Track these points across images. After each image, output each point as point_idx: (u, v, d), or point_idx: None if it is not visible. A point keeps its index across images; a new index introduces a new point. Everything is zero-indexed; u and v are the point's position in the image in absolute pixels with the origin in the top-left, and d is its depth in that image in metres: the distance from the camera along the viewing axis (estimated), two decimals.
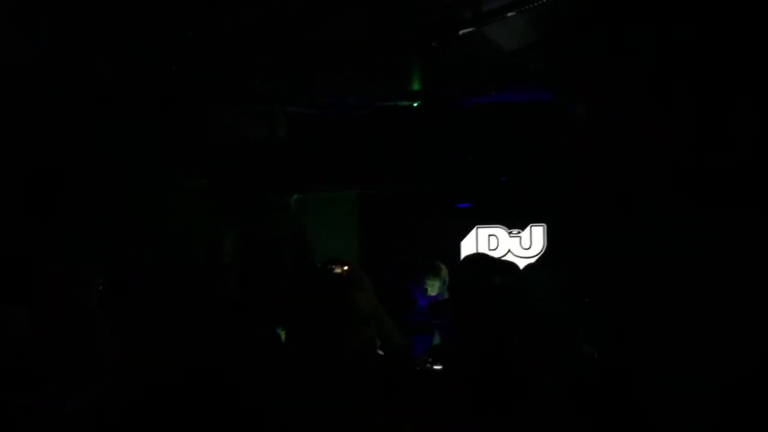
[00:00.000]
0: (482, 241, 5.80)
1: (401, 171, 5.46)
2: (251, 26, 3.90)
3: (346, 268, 2.53)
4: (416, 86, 4.96)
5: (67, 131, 4.37)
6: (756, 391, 2.01)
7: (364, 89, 5.01)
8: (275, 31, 3.99)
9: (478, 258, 3.97)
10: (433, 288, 4.09)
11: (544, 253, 5.74)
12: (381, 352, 2.35)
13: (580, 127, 4.27)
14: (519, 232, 5.81)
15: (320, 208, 5.90)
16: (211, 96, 4.81)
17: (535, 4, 3.66)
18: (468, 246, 5.79)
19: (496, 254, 5.73)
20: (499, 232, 5.81)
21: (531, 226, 5.78)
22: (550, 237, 5.73)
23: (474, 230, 5.80)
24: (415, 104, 5.17)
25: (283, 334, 2.40)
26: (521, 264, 5.72)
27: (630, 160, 3.70)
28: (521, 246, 5.80)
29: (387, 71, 4.65)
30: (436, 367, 3.07)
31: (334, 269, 2.55)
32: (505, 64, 4.42)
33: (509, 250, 5.81)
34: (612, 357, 2.40)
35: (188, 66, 4.25)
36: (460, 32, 4.00)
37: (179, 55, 4.11)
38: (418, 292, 4.10)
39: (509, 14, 3.79)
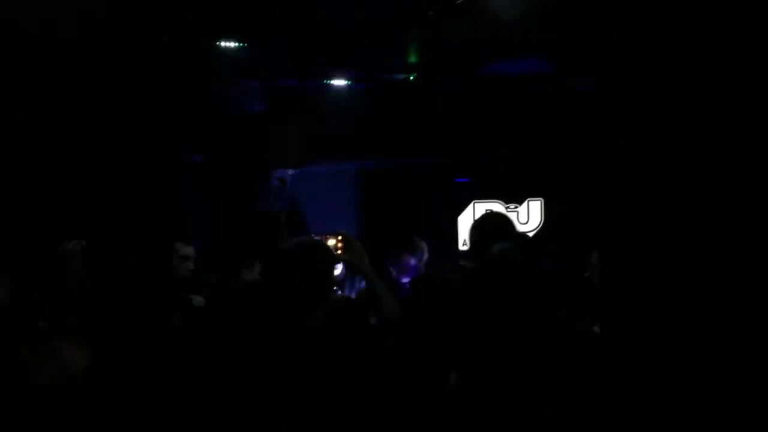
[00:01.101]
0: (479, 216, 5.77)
1: (399, 145, 5.41)
2: None
3: (339, 237, 2.50)
4: (413, 58, 4.88)
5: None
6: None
7: (360, 62, 4.94)
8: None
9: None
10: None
11: (542, 227, 5.72)
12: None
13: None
14: (516, 207, 5.78)
15: (319, 183, 5.86)
16: (205, 70, 4.74)
17: None
18: (465, 221, 5.75)
19: None
20: (497, 206, 5.77)
21: (528, 201, 5.75)
22: (548, 211, 5.70)
23: (471, 205, 5.76)
24: (412, 77, 5.09)
25: None
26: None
27: None
28: (519, 221, 5.76)
29: (383, 43, 4.57)
30: None
31: (326, 240, 2.53)
32: (504, 35, 4.35)
33: None
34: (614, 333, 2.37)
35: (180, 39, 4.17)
36: (458, 1, 3.93)
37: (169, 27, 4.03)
38: (397, 269, 3.99)
39: None
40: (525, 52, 4.45)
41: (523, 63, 4.76)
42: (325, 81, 5.14)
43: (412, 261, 3.95)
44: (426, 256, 4.00)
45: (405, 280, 3.90)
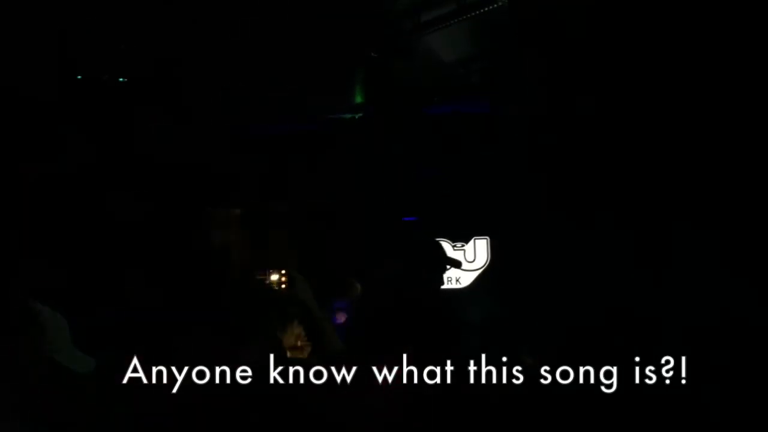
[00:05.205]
0: None
1: (345, 184, 5.40)
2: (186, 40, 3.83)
3: (283, 272, 2.46)
4: (358, 98, 4.93)
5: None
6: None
7: (304, 102, 4.95)
8: (213, 44, 3.92)
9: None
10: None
11: (488, 265, 5.77)
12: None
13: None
14: (463, 245, 5.82)
15: (263, 223, 5.79)
16: (148, 110, 4.67)
17: (473, 14, 3.69)
18: None
19: None
20: (444, 245, 5.79)
21: (475, 239, 5.79)
22: (494, 249, 5.75)
23: None
24: (357, 116, 5.12)
25: None
26: (466, 276, 5.80)
27: None
28: (466, 259, 5.80)
29: (328, 83, 4.60)
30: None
31: (270, 275, 2.49)
32: (447, 75, 4.43)
33: None
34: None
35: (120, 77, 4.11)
36: (400, 43, 4.00)
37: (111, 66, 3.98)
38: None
39: (447, 24, 3.81)
40: (466, 92, 4.53)
41: (467, 102, 4.85)
42: (270, 120, 5.13)
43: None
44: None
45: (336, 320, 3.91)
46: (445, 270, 3.61)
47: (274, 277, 2.47)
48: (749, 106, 2.95)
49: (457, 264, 3.98)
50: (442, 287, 3.45)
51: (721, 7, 2.93)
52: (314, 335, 2.41)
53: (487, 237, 5.78)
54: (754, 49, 2.84)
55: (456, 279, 5.75)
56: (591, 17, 3.58)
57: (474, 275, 5.78)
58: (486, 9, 3.61)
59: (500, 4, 3.56)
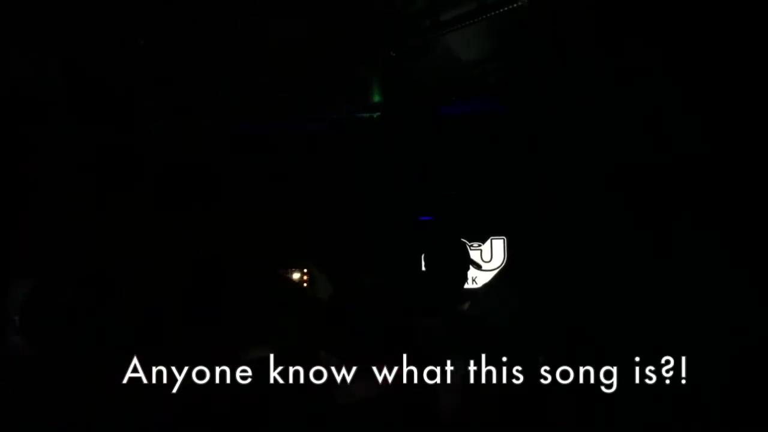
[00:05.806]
0: None
1: (361, 183, 5.42)
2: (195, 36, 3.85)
3: (304, 270, 2.49)
4: (375, 97, 4.94)
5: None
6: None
7: (320, 101, 4.97)
8: (224, 41, 3.94)
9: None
10: None
11: (504, 266, 5.75)
12: None
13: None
14: (479, 245, 5.81)
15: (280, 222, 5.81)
16: (157, 110, 4.69)
17: (493, 13, 3.68)
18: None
19: None
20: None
21: (491, 239, 5.78)
22: (511, 250, 5.74)
23: None
24: (375, 116, 5.14)
25: None
26: (482, 276, 5.78)
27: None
28: (482, 259, 5.79)
29: (344, 82, 4.62)
30: None
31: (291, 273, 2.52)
32: (465, 75, 4.43)
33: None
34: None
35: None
36: (418, 42, 4.01)
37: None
38: None
39: (467, 24, 3.80)
40: (484, 91, 4.53)
41: (484, 102, 4.85)
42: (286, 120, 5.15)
43: None
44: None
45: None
46: (468, 269, 3.61)
47: (296, 275, 2.50)
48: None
49: (477, 266, 4.02)
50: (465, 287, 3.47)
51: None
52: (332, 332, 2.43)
53: (504, 237, 5.77)
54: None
55: (472, 279, 5.74)
56: (613, 18, 3.57)
57: (490, 275, 5.76)
58: (506, 8, 3.61)
59: (520, 3, 3.55)
